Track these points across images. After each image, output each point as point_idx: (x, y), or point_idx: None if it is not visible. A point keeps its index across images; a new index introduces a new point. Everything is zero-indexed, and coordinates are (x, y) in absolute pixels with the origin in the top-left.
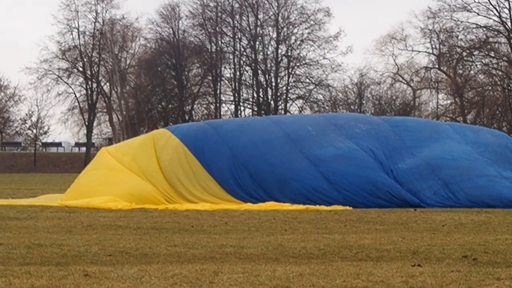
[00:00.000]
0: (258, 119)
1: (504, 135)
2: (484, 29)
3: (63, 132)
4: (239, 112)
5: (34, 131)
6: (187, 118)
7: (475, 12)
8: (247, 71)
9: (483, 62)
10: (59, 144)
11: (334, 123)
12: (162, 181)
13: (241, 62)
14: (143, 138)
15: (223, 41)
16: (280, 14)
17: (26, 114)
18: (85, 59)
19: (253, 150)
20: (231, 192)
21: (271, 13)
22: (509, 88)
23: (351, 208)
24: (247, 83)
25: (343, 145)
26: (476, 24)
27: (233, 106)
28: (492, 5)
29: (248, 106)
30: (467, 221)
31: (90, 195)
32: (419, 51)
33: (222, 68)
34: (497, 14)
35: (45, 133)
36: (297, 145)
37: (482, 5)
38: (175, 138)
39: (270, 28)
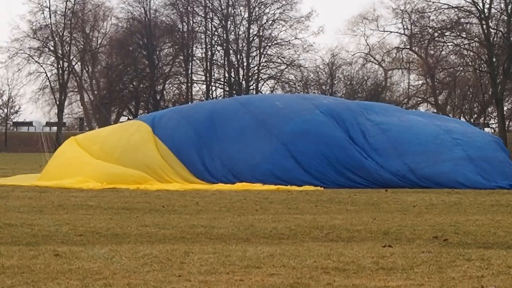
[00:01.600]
0: (227, 103)
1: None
2: (456, 9)
3: (34, 111)
4: (210, 92)
5: (5, 110)
6: (158, 98)
7: None
8: (218, 51)
9: (455, 42)
10: (30, 124)
11: (302, 96)
12: (133, 160)
13: (213, 42)
14: (114, 127)
15: (194, 20)
16: None
17: None
18: (56, 38)
19: (226, 141)
20: (201, 178)
21: None
22: (480, 69)
23: (322, 188)
24: (219, 63)
25: (310, 117)
26: (448, 4)
27: (204, 86)
28: None
29: (220, 86)
30: (438, 202)
31: (61, 177)
32: (391, 32)
33: (194, 48)
34: None
35: (16, 112)
36: (266, 125)
37: None
38: (147, 126)
39: (241, 8)
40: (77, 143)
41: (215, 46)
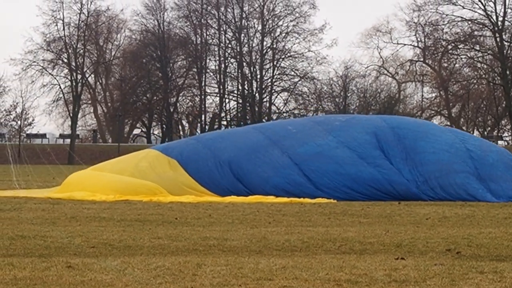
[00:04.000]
0: (239, 128)
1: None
2: (469, 22)
3: (47, 123)
4: (224, 104)
5: (19, 122)
6: (171, 110)
7: (460, 5)
8: (232, 63)
9: (468, 55)
10: (43, 136)
11: (314, 120)
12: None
13: (226, 54)
14: (123, 156)
15: (208, 33)
16: (266, 6)
17: (11, 105)
18: (69, 51)
19: (236, 153)
20: (211, 189)
21: (257, 5)
22: (494, 81)
23: (335, 201)
24: (232, 75)
25: (323, 142)
26: (461, 17)
27: (218, 99)
28: None
29: (233, 99)
30: (451, 215)
31: (75, 189)
32: (404, 44)
33: (207, 60)
34: (482, 7)
35: (30, 124)
36: (279, 145)
37: None
38: (155, 151)
39: (255, 20)
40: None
41: (229, 58)
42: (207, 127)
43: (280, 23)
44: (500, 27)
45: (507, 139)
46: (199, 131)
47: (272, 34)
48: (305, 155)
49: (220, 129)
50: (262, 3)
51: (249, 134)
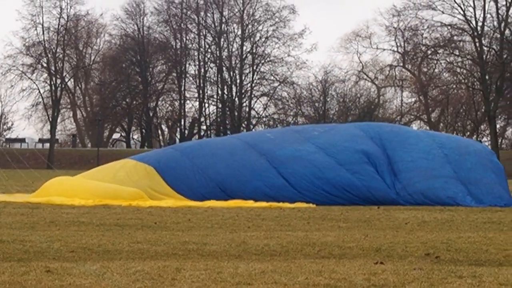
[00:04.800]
0: (217, 138)
1: (470, 140)
2: (449, 27)
3: (26, 128)
4: (203, 109)
5: None
6: (151, 114)
7: (440, 10)
8: (211, 68)
9: (448, 60)
10: (22, 140)
11: (293, 129)
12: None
13: (206, 59)
14: (102, 166)
15: (187, 37)
16: (245, 11)
17: None
18: (49, 55)
19: (214, 159)
20: (188, 196)
21: (236, 10)
22: (473, 86)
23: (314, 205)
24: (212, 80)
25: (301, 148)
26: (441, 22)
27: (197, 103)
28: (457, 4)
29: (213, 103)
30: (430, 219)
31: (54, 194)
32: (384, 49)
33: (187, 65)
34: (461, 12)
35: (9, 129)
36: (256, 149)
37: (447, 3)
38: (132, 161)
39: (235, 25)
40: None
41: (208, 63)
42: (186, 131)
43: (260, 27)
44: (479, 32)
45: (486, 143)
46: (178, 136)
47: (251, 39)
48: (284, 158)
49: (200, 134)
50: (241, 8)
51: (227, 141)
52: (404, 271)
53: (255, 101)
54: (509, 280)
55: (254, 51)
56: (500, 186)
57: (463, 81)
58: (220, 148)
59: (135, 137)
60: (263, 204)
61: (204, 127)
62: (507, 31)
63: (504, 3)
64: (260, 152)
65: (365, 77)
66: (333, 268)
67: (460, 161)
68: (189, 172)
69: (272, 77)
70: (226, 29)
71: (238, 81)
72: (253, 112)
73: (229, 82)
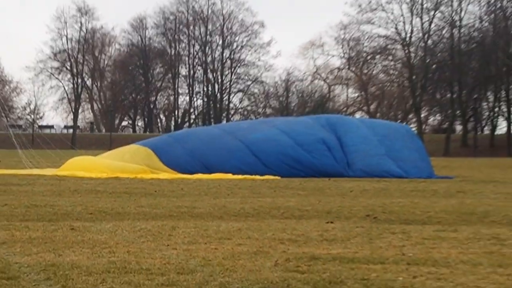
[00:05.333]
0: (202, 127)
1: (398, 124)
2: (384, 38)
3: (54, 117)
4: (192, 102)
5: (32, 116)
6: (152, 106)
7: (377, 25)
8: (199, 70)
9: (383, 64)
10: (51, 127)
11: (262, 121)
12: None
13: (194, 63)
14: (113, 150)
15: (180, 46)
16: (225, 26)
17: (26, 103)
18: (72, 60)
19: (199, 143)
20: (179, 171)
21: (218, 24)
22: (403, 84)
23: (279, 177)
24: (199, 80)
25: (269, 132)
26: (378, 34)
27: (188, 98)
28: (391, 20)
29: (200, 98)
30: (369, 188)
31: (76, 169)
32: (333, 55)
33: (179, 68)
34: (394, 26)
35: (41, 118)
36: (233, 135)
37: (383, 19)
38: (136, 145)
39: (217, 36)
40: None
41: (196, 66)
42: (179, 120)
43: (236, 38)
44: (408, 42)
45: (413, 129)
46: (173, 123)
47: (230, 47)
48: (255, 140)
49: (190, 122)
50: (222, 23)
51: (209, 130)
52: (349, 229)
53: (233, 96)
54: (430, 235)
55: (232, 57)
56: (422, 162)
57: (395, 80)
58: (204, 135)
59: (139, 124)
60: (239, 176)
61: (193, 117)
62: (429, 41)
63: (427, 19)
64: (236, 137)
65: (318, 77)
66: (294, 226)
67: (390, 144)
68: (179, 153)
69: (246, 77)
70: (210, 39)
71: (219, 80)
72: (231, 105)
73: (213, 81)
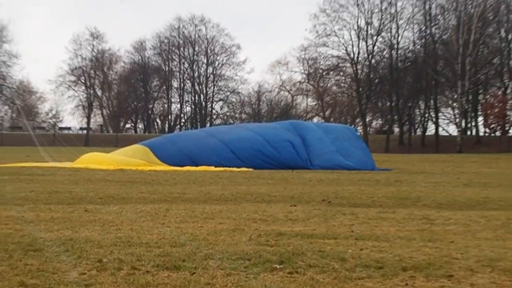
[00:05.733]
0: (190, 131)
1: (346, 126)
2: (337, 57)
3: (72, 120)
4: (182, 109)
5: (54, 120)
6: (150, 112)
7: (331, 47)
8: (188, 83)
9: (336, 78)
10: (69, 128)
11: (237, 125)
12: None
13: (184, 77)
14: (119, 150)
15: (172, 64)
16: (209, 47)
17: (48, 109)
18: (85, 75)
19: (188, 143)
20: (171, 165)
21: (203, 46)
22: (351, 95)
23: (252, 169)
24: (188, 91)
25: (243, 133)
26: (331, 54)
27: (179, 105)
28: (342, 43)
29: (189, 105)
30: (325, 178)
31: (89, 162)
32: (296, 71)
33: (172, 81)
34: (344, 48)
35: (61, 121)
36: (214, 136)
37: (335, 43)
38: (137, 145)
39: (202, 56)
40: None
41: (186, 80)
42: (172, 123)
43: (218, 58)
44: (355, 61)
45: (360, 131)
46: (167, 126)
47: (213, 65)
48: (232, 140)
49: (180, 125)
50: (206, 46)
51: (195, 132)
52: (308, 211)
53: (215, 104)
54: (374, 216)
55: (214, 72)
56: (366, 157)
57: (345, 91)
58: (191, 136)
59: (140, 126)
60: (220, 169)
61: (183, 121)
62: (373, 60)
63: (371, 42)
64: (217, 138)
65: (284, 89)
66: (264, 209)
67: (340, 143)
68: (171, 151)
69: (225, 89)
70: (196, 59)
71: (204, 91)
72: (213, 111)
73: (199, 92)
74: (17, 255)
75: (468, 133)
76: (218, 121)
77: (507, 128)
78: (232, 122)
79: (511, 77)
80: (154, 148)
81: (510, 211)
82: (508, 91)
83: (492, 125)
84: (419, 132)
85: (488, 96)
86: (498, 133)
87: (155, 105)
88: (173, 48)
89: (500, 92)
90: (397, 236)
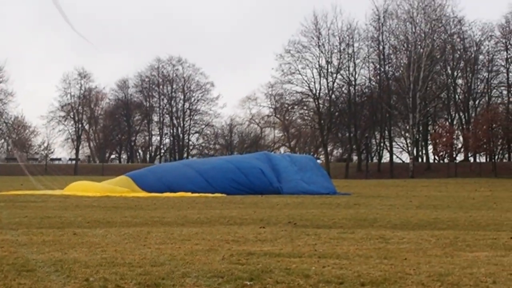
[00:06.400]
0: (167, 163)
1: (309, 156)
2: (301, 93)
3: (62, 152)
4: (162, 141)
5: (46, 151)
6: (132, 144)
7: (295, 84)
8: (166, 117)
9: (300, 112)
10: (59, 159)
11: (211, 157)
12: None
13: (163, 112)
14: (105, 181)
15: (153, 100)
16: (185, 85)
17: (41, 142)
18: (74, 111)
19: (165, 173)
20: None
21: (180, 84)
22: (314, 127)
23: (225, 195)
24: (167, 124)
25: (216, 163)
26: (296, 91)
27: (158, 137)
28: (305, 80)
29: (167, 137)
30: (291, 202)
31: (77, 190)
32: (264, 106)
33: (152, 116)
34: (307, 85)
35: (52, 152)
36: (190, 166)
37: (299, 80)
38: (122, 175)
39: (179, 93)
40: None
41: (165, 114)
42: (152, 153)
43: (194, 94)
44: (317, 96)
45: (322, 160)
46: (148, 156)
47: (189, 101)
48: (206, 169)
49: (160, 155)
50: (183, 83)
51: (173, 164)
52: (276, 232)
53: (191, 136)
54: (335, 236)
55: (190, 107)
56: (327, 183)
57: (308, 123)
58: (169, 167)
59: (123, 157)
60: (196, 195)
61: (163, 151)
62: (333, 96)
63: (331, 79)
64: (193, 168)
65: (253, 122)
66: (236, 230)
67: (303, 172)
68: (151, 180)
69: (201, 122)
70: (174, 95)
71: (182, 124)
72: (190, 142)
73: (176, 125)
74: (12, 275)
75: (419, 160)
76: (194, 151)
77: (454, 156)
78: (207, 152)
79: (457, 109)
80: (136, 178)
81: (457, 230)
82: (455, 122)
83: (441, 153)
84: (375, 159)
85: (437, 126)
86: (446, 160)
87: (137, 137)
88: (153, 86)
89: (447, 123)
90: (356, 254)
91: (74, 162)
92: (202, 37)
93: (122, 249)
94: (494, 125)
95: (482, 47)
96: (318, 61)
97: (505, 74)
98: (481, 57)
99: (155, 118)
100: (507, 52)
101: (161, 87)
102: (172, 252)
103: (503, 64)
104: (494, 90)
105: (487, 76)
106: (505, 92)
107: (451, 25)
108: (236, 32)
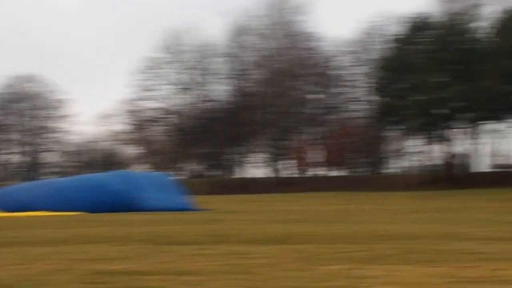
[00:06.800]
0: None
1: (166, 173)
2: (160, 109)
3: None
4: (17, 159)
5: None
6: None
7: (154, 100)
8: (19, 135)
9: (159, 128)
10: None
11: (71, 176)
12: None
13: (17, 130)
14: None
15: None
16: (35, 103)
17: None
18: None
19: (22, 192)
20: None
21: (31, 102)
22: (174, 144)
23: (84, 213)
24: (21, 142)
25: (74, 181)
26: (155, 107)
27: (14, 156)
28: (164, 97)
29: (24, 156)
30: (151, 219)
31: None
32: (122, 123)
33: (11, 134)
34: (166, 101)
35: None
36: (48, 186)
37: (158, 96)
38: None
39: (29, 110)
40: None
41: (17, 132)
42: (9, 173)
43: (48, 112)
44: (177, 113)
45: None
46: (4, 176)
47: (37, 118)
48: (63, 188)
49: (17, 176)
50: (32, 101)
51: (30, 184)
52: (134, 250)
53: (47, 154)
54: (193, 252)
55: (46, 125)
56: (183, 199)
57: (168, 140)
58: (25, 187)
59: None
60: (54, 213)
61: (19, 170)
62: (192, 112)
63: (190, 96)
64: (50, 187)
65: (112, 139)
66: (94, 249)
67: (161, 189)
68: (7, 200)
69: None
70: (25, 113)
71: (34, 142)
72: (46, 161)
73: (29, 143)
74: None
75: (280, 175)
76: (53, 170)
77: (308, 170)
78: (64, 171)
79: (309, 124)
80: None
81: (315, 244)
82: (311, 136)
83: (301, 167)
84: (238, 175)
85: (294, 141)
86: (302, 174)
87: None
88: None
89: (303, 138)
90: (212, 270)
91: None
92: (60, 55)
93: None
94: (347, 139)
95: (334, 62)
96: (176, 78)
97: (357, 89)
98: (333, 72)
99: (14, 136)
100: (358, 67)
101: (14, 104)
102: (24, 272)
103: (355, 79)
104: (346, 105)
105: (339, 91)
106: (356, 107)
107: (303, 41)
108: (93, 49)
